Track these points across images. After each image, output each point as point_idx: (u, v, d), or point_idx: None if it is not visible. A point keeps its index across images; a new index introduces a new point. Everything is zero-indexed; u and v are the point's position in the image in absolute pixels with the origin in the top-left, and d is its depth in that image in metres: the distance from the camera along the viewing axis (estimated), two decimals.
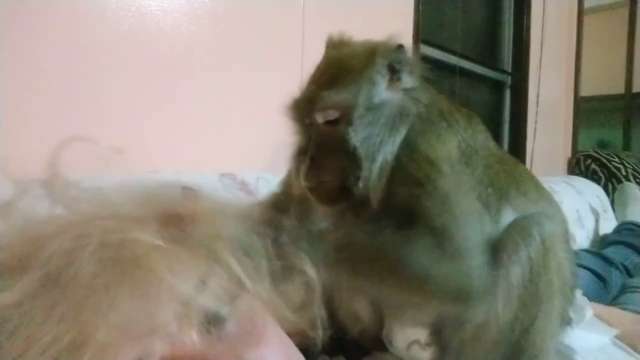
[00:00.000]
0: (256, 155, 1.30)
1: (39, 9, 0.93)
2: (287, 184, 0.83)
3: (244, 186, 1.13)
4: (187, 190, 0.89)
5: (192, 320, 0.39)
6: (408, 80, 0.72)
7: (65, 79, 0.98)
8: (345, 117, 0.67)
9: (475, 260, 0.64)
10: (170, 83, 1.16)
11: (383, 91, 0.70)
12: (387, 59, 0.70)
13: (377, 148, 0.68)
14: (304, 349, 0.89)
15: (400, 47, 0.71)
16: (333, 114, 0.68)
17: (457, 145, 0.71)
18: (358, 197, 0.68)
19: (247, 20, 1.32)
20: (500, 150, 0.84)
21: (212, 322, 0.40)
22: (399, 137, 0.70)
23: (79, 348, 0.34)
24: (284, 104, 0.72)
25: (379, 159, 0.68)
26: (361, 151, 0.67)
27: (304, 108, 0.70)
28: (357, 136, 0.67)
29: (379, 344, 0.91)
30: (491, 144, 0.80)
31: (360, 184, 0.67)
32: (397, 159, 0.69)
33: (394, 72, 0.71)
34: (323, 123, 0.69)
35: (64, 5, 0.98)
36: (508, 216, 0.73)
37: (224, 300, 0.42)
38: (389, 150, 0.69)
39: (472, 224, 0.66)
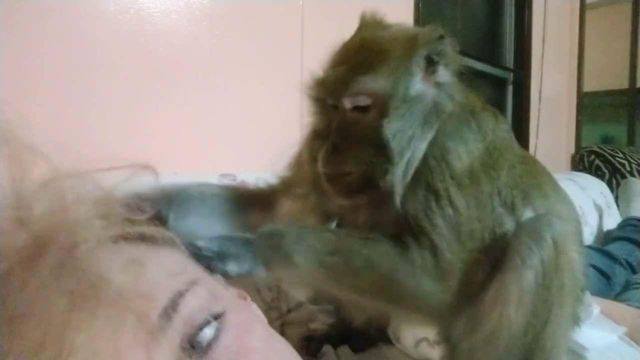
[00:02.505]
0: (256, 156, 1.30)
1: (37, 12, 0.94)
2: (296, 167, 0.80)
3: (243, 186, 1.13)
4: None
5: (166, 351, 0.34)
6: (443, 74, 0.69)
7: (63, 81, 0.98)
8: (378, 106, 0.64)
9: (449, 288, 0.65)
10: (170, 84, 1.16)
11: (419, 83, 0.66)
12: (427, 49, 0.66)
13: (407, 143, 0.65)
14: (307, 337, 0.90)
15: (442, 37, 0.67)
16: (364, 101, 0.64)
17: (484, 150, 0.69)
18: (381, 192, 0.65)
19: (246, 21, 1.32)
20: (522, 149, 0.83)
21: (191, 348, 0.36)
22: (429, 135, 0.67)
23: None
24: (306, 82, 0.68)
25: (408, 154, 0.65)
26: (393, 145, 0.63)
27: (330, 89, 0.66)
28: (390, 128, 0.63)
29: (385, 335, 0.91)
30: (514, 144, 0.78)
31: (388, 179, 0.64)
32: (426, 159, 0.66)
33: (430, 63, 0.67)
34: (350, 108, 0.65)
35: (62, 7, 0.98)
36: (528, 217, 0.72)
37: (205, 321, 0.37)
38: (418, 147, 0.66)
39: (468, 245, 0.66)
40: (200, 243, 0.58)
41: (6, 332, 0.31)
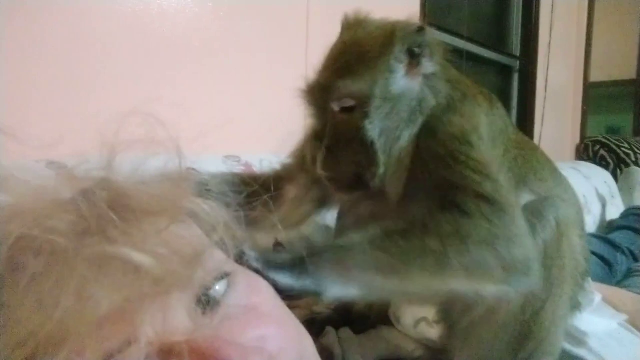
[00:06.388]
0: (260, 138, 1.31)
1: None
2: (299, 155, 0.81)
3: (248, 168, 1.14)
4: (191, 171, 0.90)
5: (182, 302, 0.36)
6: (428, 65, 0.68)
7: (68, 61, 0.98)
8: (361, 107, 0.65)
9: (524, 228, 0.61)
10: (174, 65, 1.16)
11: (401, 79, 0.66)
12: (406, 43, 0.66)
13: (394, 141, 0.66)
14: (310, 320, 0.91)
15: (421, 29, 0.66)
16: (348, 102, 0.65)
17: (483, 122, 0.69)
18: (374, 188, 0.66)
19: (251, 1, 1.32)
20: (519, 134, 0.82)
21: (205, 302, 0.37)
22: (416, 129, 0.67)
23: (61, 338, 0.31)
24: (297, 88, 0.70)
25: (396, 152, 0.66)
26: (378, 145, 0.65)
27: (318, 94, 0.68)
28: (373, 129, 0.64)
29: (386, 317, 0.92)
30: (510, 128, 0.77)
31: (377, 178, 0.65)
32: (417, 146, 0.66)
33: (413, 56, 0.67)
34: (339, 110, 0.66)
35: None
36: (526, 199, 0.72)
37: (217, 278, 0.39)
38: (405, 143, 0.66)
39: (513, 193, 0.64)
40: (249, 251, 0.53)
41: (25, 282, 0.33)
